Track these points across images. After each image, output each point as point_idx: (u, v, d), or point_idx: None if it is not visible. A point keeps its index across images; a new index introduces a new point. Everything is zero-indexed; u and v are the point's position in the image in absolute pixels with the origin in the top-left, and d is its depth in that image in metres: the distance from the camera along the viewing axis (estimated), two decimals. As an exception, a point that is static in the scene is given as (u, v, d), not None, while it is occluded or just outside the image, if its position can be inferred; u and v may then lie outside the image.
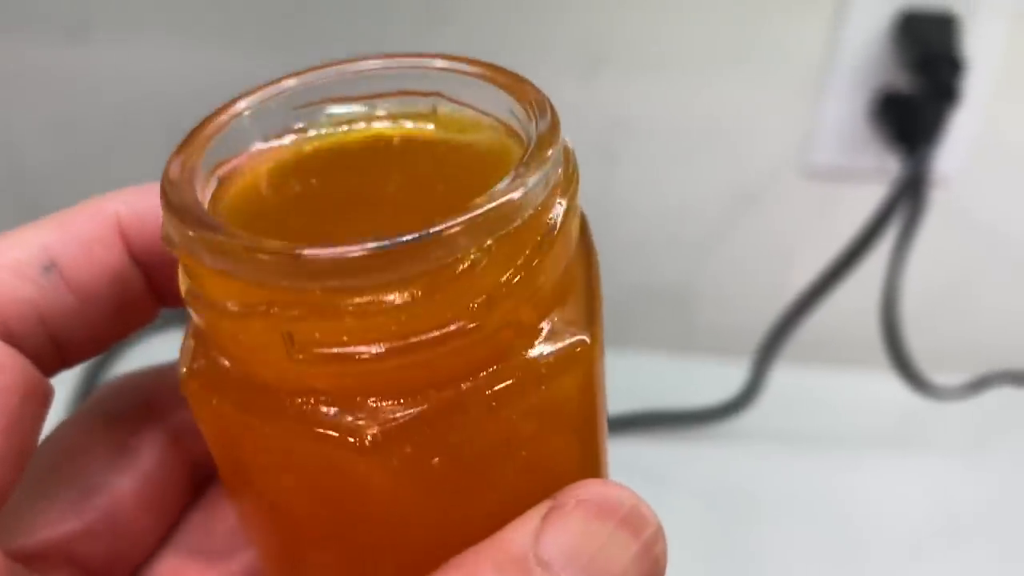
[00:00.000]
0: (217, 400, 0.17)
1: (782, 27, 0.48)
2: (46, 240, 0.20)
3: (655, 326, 0.58)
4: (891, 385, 0.51)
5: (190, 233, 0.16)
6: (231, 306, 0.16)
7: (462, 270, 0.15)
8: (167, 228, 0.17)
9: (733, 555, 0.48)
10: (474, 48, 0.49)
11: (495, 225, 0.16)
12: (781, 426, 0.53)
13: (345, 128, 0.20)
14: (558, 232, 0.17)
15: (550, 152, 0.17)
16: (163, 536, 0.23)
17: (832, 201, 0.52)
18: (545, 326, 0.17)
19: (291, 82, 0.20)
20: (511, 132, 0.19)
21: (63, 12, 0.49)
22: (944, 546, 0.49)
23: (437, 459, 0.16)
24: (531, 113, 0.18)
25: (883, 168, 0.50)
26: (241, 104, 0.19)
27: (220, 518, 0.23)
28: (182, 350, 0.18)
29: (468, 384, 0.16)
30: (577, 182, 0.18)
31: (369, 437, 0.16)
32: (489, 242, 0.16)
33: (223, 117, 0.19)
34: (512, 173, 0.16)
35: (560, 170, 0.17)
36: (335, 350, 0.16)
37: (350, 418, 0.16)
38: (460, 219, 0.15)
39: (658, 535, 0.17)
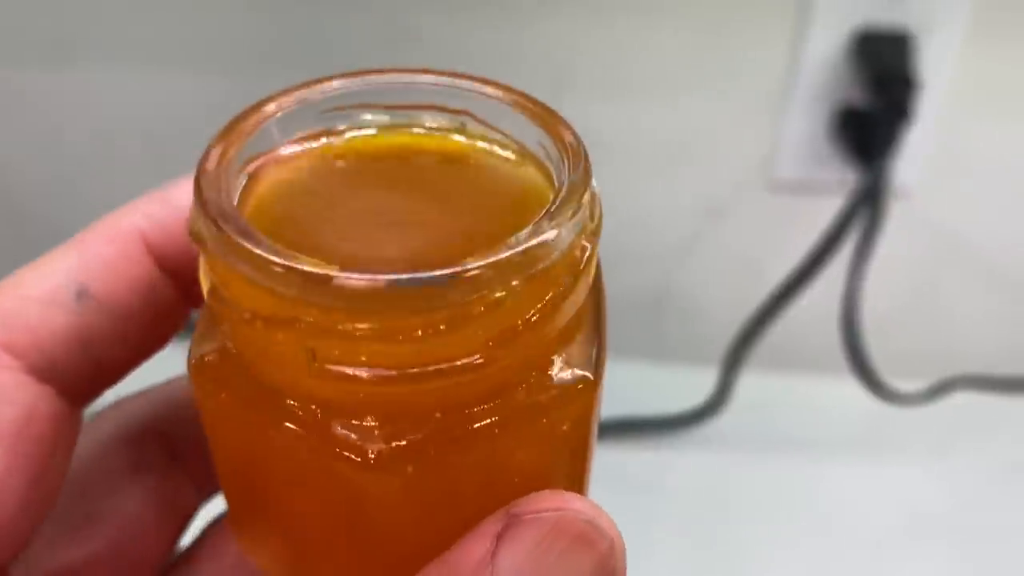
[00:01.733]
0: (226, 394, 0.18)
1: (744, 47, 0.49)
2: (72, 266, 0.20)
3: (626, 335, 0.59)
4: (856, 391, 0.52)
5: (225, 239, 0.16)
6: (257, 314, 0.16)
7: (485, 308, 0.16)
8: (197, 224, 0.17)
9: (704, 558, 0.49)
10: (441, 64, 0.50)
11: (523, 267, 0.16)
12: (749, 432, 0.55)
13: (373, 132, 0.20)
14: (580, 275, 0.17)
15: (584, 199, 0.17)
16: (167, 554, 0.23)
17: (796, 213, 0.54)
18: (555, 362, 0.18)
19: (321, 87, 0.20)
20: (536, 161, 0.20)
21: (45, 38, 0.51)
22: (907, 548, 0.50)
23: (435, 479, 0.17)
24: (564, 156, 0.18)
25: (844, 181, 0.51)
26: (272, 106, 0.19)
27: (227, 552, 0.23)
28: (195, 334, 0.19)
29: (473, 412, 0.17)
30: (601, 226, 0.18)
31: (373, 455, 0.16)
32: (515, 282, 0.16)
33: (259, 114, 0.19)
34: (546, 216, 0.17)
35: (588, 214, 0.18)
36: (353, 371, 0.16)
37: (357, 435, 0.17)
38: (491, 259, 0.16)
39: (614, 548, 0.17)
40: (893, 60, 0.47)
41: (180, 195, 0.21)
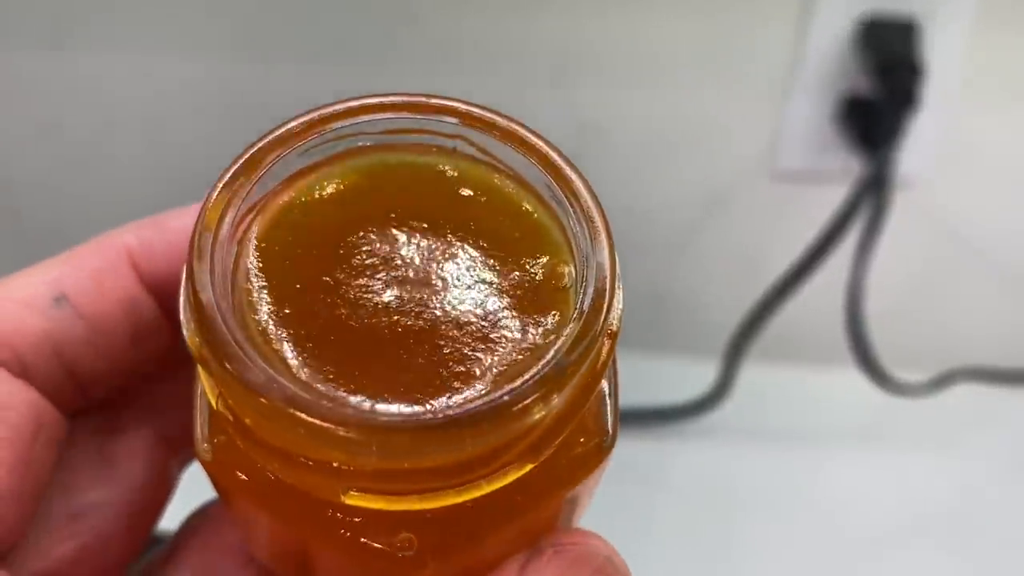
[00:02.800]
0: (249, 494, 0.17)
1: (749, 34, 0.49)
2: (55, 274, 0.20)
3: (627, 325, 0.59)
4: (858, 382, 0.52)
5: (240, 389, 0.15)
6: (281, 452, 0.16)
7: (525, 431, 0.16)
8: (197, 343, 0.16)
9: (705, 549, 0.49)
10: (443, 51, 0.50)
11: (563, 382, 0.16)
12: (751, 423, 0.55)
13: (362, 166, 0.18)
14: (611, 359, 0.17)
15: (618, 284, 0.17)
16: (151, 532, 0.23)
17: (799, 202, 0.53)
18: (579, 431, 0.18)
19: (307, 121, 0.18)
20: (536, 194, 0.18)
21: (40, 21, 0.50)
22: (910, 538, 0.50)
23: (466, 557, 0.18)
24: (590, 235, 0.17)
25: (849, 170, 0.51)
26: (254, 152, 0.17)
27: (218, 547, 0.23)
28: (197, 416, 0.18)
29: (502, 506, 0.17)
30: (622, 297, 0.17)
31: (404, 554, 0.17)
32: (555, 400, 0.16)
33: (245, 170, 0.17)
34: (578, 320, 0.16)
35: (620, 295, 0.17)
36: (388, 507, 0.16)
37: (388, 539, 0.17)
38: (530, 381, 0.15)
39: None
40: (898, 48, 0.47)
41: (174, 223, 0.21)
